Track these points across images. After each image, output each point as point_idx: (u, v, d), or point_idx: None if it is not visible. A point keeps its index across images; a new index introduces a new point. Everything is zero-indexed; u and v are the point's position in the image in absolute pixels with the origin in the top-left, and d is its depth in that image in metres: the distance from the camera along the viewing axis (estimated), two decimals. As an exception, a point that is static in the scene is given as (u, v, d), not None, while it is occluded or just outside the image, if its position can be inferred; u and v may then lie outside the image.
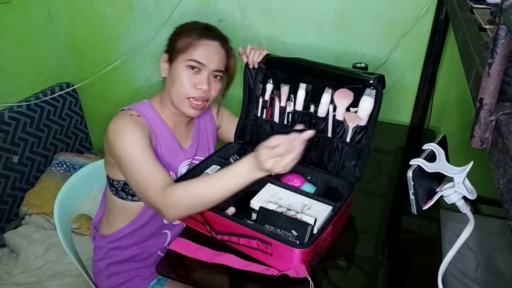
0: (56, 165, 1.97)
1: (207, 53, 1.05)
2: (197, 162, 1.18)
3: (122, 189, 1.08)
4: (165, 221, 1.15)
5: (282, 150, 0.83)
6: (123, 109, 1.09)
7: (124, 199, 1.10)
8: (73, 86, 2.10)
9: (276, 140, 0.84)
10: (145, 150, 0.98)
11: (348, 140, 1.09)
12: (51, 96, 1.99)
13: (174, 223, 1.17)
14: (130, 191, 1.08)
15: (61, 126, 2.09)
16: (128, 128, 1.00)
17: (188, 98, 1.05)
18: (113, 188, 1.10)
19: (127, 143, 0.98)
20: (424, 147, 0.69)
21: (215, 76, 1.08)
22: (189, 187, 0.94)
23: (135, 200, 1.09)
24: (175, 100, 1.07)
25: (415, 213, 0.67)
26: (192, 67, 1.04)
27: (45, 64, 2.07)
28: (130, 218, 1.12)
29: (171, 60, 1.07)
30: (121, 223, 1.13)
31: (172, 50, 1.07)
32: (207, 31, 1.07)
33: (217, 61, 1.06)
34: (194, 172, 1.14)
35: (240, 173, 0.90)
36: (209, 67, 1.05)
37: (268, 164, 0.84)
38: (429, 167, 0.66)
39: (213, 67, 1.05)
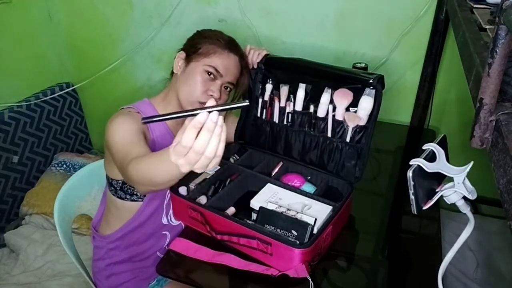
0: (56, 165, 1.97)
1: (227, 64, 1.08)
2: None
3: (120, 188, 1.08)
4: (163, 221, 1.15)
5: (192, 156, 0.63)
6: (122, 108, 1.10)
7: (122, 198, 1.10)
8: (73, 86, 2.09)
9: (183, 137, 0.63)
10: (126, 132, 0.98)
11: (348, 140, 1.09)
12: (51, 96, 1.99)
13: (173, 224, 1.17)
14: (129, 190, 1.08)
15: (61, 126, 2.08)
16: (122, 120, 1.01)
17: (198, 102, 1.06)
18: (112, 188, 1.10)
19: (114, 130, 0.98)
20: (424, 147, 0.69)
21: (226, 87, 1.10)
22: (138, 165, 0.82)
23: (134, 200, 1.09)
24: (183, 99, 1.08)
25: (415, 213, 0.67)
26: (209, 73, 1.06)
27: (45, 64, 2.07)
28: (127, 217, 1.12)
29: (188, 60, 1.09)
30: (119, 223, 1.13)
31: (193, 51, 1.08)
32: (232, 44, 1.11)
33: (232, 75, 1.10)
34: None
35: (170, 168, 0.70)
36: (225, 78, 1.08)
37: (183, 169, 0.67)
38: (429, 167, 0.66)
39: (227, 79, 1.08)
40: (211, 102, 0.64)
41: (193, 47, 1.09)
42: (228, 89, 1.11)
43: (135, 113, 1.06)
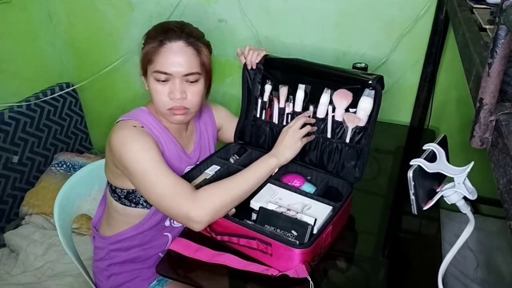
0: (56, 165, 1.97)
1: (171, 59, 0.96)
2: None
3: (125, 197, 1.07)
4: (166, 224, 1.14)
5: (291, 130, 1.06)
6: (122, 120, 1.04)
7: (127, 206, 1.08)
8: (73, 86, 2.10)
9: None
10: (159, 161, 0.96)
11: (347, 140, 1.09)
12: (51, 96, 2.00)
13: (175, 226, 1.16)
14: (134, 200, 1.07)
15: (61, 126, 2.09)
16: (136, 141, 0.97)
17: (168, 109, 1.01)
18: (115, 195, 1.09)
19: (137, 157, 0.95)
20: (424, 147, 0.69)
21: (190, 80, 0.99)
22: (216, 185, 0.98)
23: (139, 208, 1.08)
24: (159, 113, 1.05)
25: (416, 213, 0.67)
26: (160, 79, 0.98)
27: (45, 64, 2.07)
28: (132, 222, 1.11)
29: (144, 74, 1.02)
30: (122, 226, 1.12)
31: (142, 63, 1.01)
32: (168, 33, 0.97)
33: (184, 64, 0.97)
34: (194, 172, 1.14)
35: (257, 164, 1.04)
36: (177, 74, 0.97)
37: (284, 155, 1.05)
38: (429, 167, 0.66)
39: (182, 72, 0.97)
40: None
41: (141, 57, 1.01)
42: (193, 80, 0.99)
43: (140, 128, 1.01)
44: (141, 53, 1.03)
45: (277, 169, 1.08)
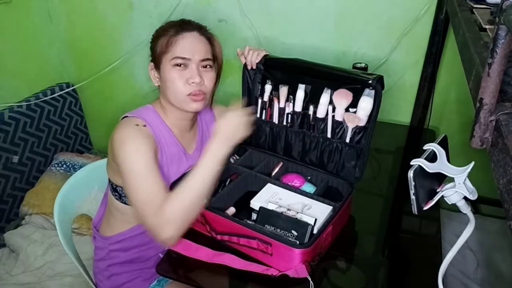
0: (56, 165, 1.97)
1: (188, 45, 1.02)
2: None
3: (126, 195, 1.07)
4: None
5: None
6: (126, 116, 1.05)
7: (127, 204, 1.08)
8: (73, 86, 2.10)
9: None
10: (147, 166, 0.96)
11: (347, 140, 1.09)
12: (51, 96, 2.00)
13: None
14: None
15: (61, 126, 2.09)
16: (133, 140, 0.98)
17: (187, 95, 1.03)
18: (116, 193, 1.09)
19: (130, 156, 0.96)
20: (425, 147, 0.69)
21: (205, 66, 1.05)
22: (176, 192, 0.93)
23: None
24: (175, 102, 1.05)
25: (416, 213, 0.67)
26: (179, 64, 1.02)
27: (45, 64, 2.07)
28: (132, 222, 1.11)
29: (157, 66, 1.05)
30: (122, 225, 1.12)
31: (155, 56, 1.05)
32: (182, 24, 1.05)
33: (200, 51, 1.03)
34: (194, 172, 1.14)
35: (206, 154, 0.96)
36: (195, 59, 1.02)
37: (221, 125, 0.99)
38: (430, 168, 0.66)
39: (198, 58, 1.03)
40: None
41: (153, 52, 1.06)
42: (207, 66, 1.05)
43: (143, 127, 1.02)
44: (153, 47, 1.06)
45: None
